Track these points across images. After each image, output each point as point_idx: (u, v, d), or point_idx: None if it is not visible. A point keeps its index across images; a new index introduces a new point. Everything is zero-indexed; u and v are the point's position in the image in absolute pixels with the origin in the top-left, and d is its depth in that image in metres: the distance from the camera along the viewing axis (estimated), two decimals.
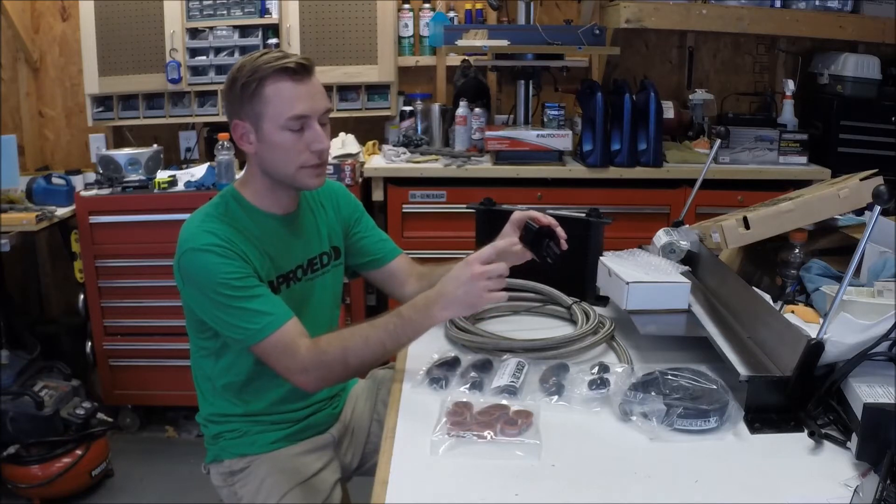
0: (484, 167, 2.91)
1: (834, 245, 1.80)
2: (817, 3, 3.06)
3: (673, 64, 3.53)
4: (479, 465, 1.09)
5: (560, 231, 1.49)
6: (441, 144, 3.18)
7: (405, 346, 1.44)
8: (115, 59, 3.20)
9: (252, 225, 1.48)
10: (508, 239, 1.49)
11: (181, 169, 3.07)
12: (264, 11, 3.17)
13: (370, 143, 3.20)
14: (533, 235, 1.49)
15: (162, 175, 2.89)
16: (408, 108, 3.21)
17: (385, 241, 1.72)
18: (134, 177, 2.89)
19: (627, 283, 1.50)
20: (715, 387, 1.22)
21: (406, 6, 3.31)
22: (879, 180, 1.65)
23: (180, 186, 2.87)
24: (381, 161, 3.01)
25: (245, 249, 1.43)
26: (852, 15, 3.09)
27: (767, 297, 1.50)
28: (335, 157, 2.92)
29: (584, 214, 1.77)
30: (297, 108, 1.41)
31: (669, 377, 1.24)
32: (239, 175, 2.88)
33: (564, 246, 1.49)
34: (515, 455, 1.11)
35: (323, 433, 1.63)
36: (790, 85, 3.22)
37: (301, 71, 1.42)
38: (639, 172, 2.89)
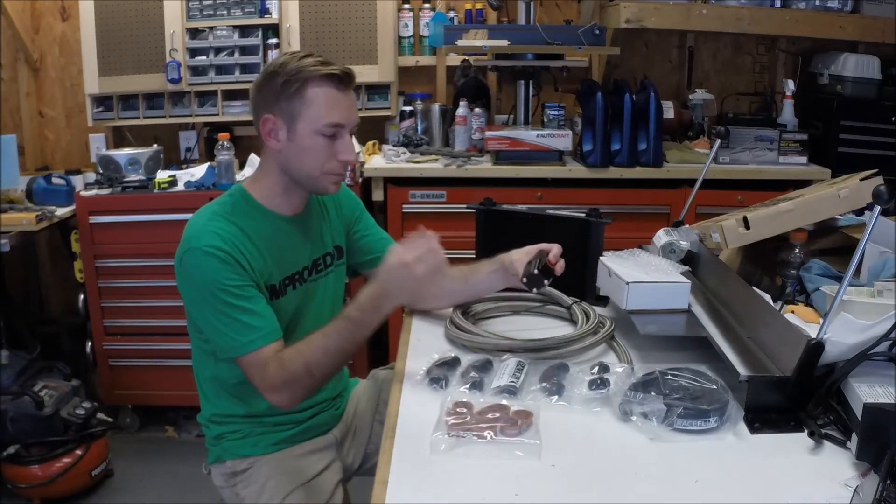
0: (484, 167, 2.91)
1: (834, 245, 1.80)
2: (817, 3, 3.06)
3: (673, 64, 3.53)
4: (479, 465, 1.09)
5: (558, 268, 1.53)
6: (441, 144, 3.17)
7: (362, 343, 1.43)
8: (115, 59, 3.20)
9: (259, 225, 1.48)
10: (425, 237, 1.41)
11: (181, 169, 3.07)
12: (264, 11, 3.17)
13: (370, 143, 3.20)
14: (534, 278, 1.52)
15: (162, 175, 2.89)
16: (408, 108, 3.21)
17: (385, 239, 1.73)
18: (134, 177, 2.89)
19: (627, 283, 1.50)
20: (715, 387, 1.22)
21: (406, 6, 3.31)
22: (879, 180, 1.65)
23: (180, 186, 2.87)
24: (381, 161, 3.01)
25: (249, 253, 1.42)
26: (852, 15, 3.09)
27: (767, 297, 1.50)
28: None
29: (584, 214, 1.77)
30: (336, 115, 1.43)
31: (669, 377, 1.24)
32: (240, 175, 2.89)
33: (559, 270, 1.54)
34: (515, 455, 1.11)
35: (325, 434, 1.63)
36: (790, 85, 3.22)
37: (346, 80, 1.44)
38: (639, 172, 2.89)
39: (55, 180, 2.97)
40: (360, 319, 1.37)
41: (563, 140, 2.89)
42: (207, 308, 1.39)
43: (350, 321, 1.37)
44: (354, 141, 3.08)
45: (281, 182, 1.50)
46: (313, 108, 1.42)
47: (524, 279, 1.51)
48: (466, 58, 3.16)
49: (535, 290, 1.54)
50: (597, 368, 1.35)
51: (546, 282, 1.51)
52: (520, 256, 1.55)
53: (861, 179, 1.70)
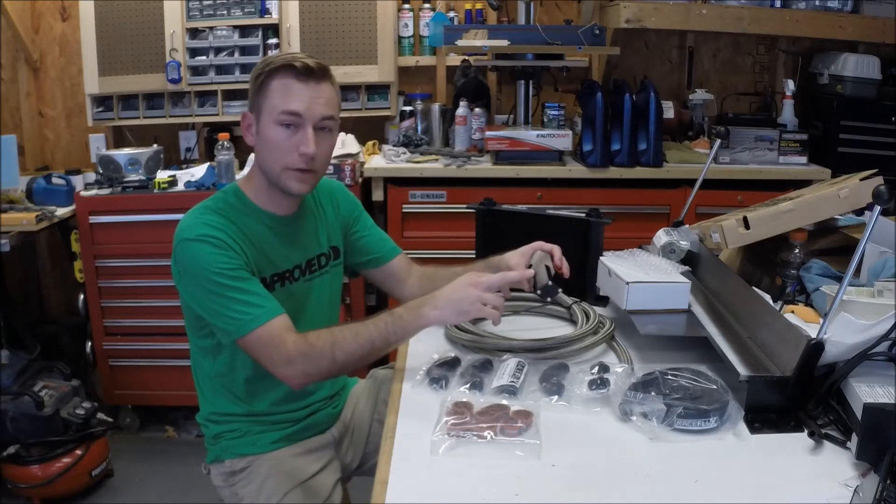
0: (484, 167, 2.91)
1: (834, 245, 1.80)
2: (817, 3, 3.06)
3: (673, 64, 3.53)
4: (479, 465, 1.09)
5: (565, 270, 1.54)
6: (441, 144, 3.17)
7: (395, 345, 1.43)
8: (115, 59, 3.20)
9: (250, 221, 1.48)
10: (520, 273, 1.47)
11: (181, 169, 3.07)
12: (264, 11, 3.17)
13: (370, 143, 3.20)
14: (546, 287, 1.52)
15: (162, 175, 2.89)
16: (408, 108, 3.21)
17: (384, 240, 1.73)
18: (134, 177, 2.89)
19: (627, 283, 1.50)
20: (715, 387, 1.22)
21: (406, 6, 3.31)
22: (879, 180, 1.65)
23: (180, 186, 2.87)
24: (381, 161, 3.01)
25: (240, 242, 1.43)
26: (852, 15, 3.09)
27: (767, 297, 1.50)
28: (335, 158, 2.92)
29: (584, 214, 1.77)
30: (292, 104, 1.42)
31: (669, 377, 1.24)
32: (240, 175, 2.89)
33: (567, 272, 1.54)
34: (515, 455, 1.11)
35: (323, 433, 1.63)
36: (790, 85, 3.22)
37: (306, 71, 1.42)
38: (639, 172, 2.89)
39: (55, 180, 2.97)
40: (400, 316, 1.38)
41: (563, 140, 2.89)
42: (206, 294, 1.39)
43: (391, 315, 1.38)
44: (354, 140, 3.10)
45: (263, 181, 1.50)
46: (271, 98, 1.42)
47: (538, 291, 1.51)
48: (466, 58, 3.16)
49: (549, 299, 1.54)
50: (597, 368, 1.35)
51: (560, 290, 1.51)
52: (517, 260, 1.55)
53: (861, 179, 1.70)
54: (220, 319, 1.40)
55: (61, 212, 2.86)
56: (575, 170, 2.90)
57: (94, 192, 2.87)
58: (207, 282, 1.38)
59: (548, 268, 1.52)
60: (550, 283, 1.50)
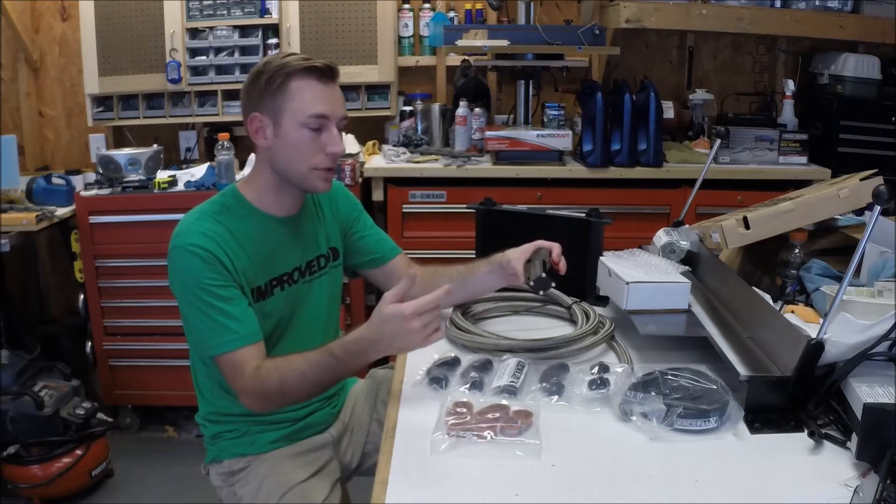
0: (484, 167, 2.91)
1: (834, 245, 1.80)
2: (817, 3, 3.06)
3: (673, 64, 3.53)
4: (479, 465, 1.09)
5: (561, 267, 1.56)
6: (441, 144, 3.18)
7: (343, 379, 1.53)
8: (115, 59, 3.20)
9: (248, 226, 1.48)
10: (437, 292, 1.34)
11: (181, 169, 3.07)
12: (264, 11, 3.17)
13: (370, 143, 3.20)
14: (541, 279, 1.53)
15: (162, 175, 2.89)
16: (408, 108, 3.21)
17: (384, 240, 1.73)
18: (134, 177, 2.89)
19: (627, 283, 1.50)
20: (715, 387, 1.22)
21: (406, 6, 3.31)
22: (879, 180, 1.65)
23: (180, 186, 2.87)
24: (381, 161, 3.01)
25: (233, 254, 1.42)
26: (852, 15, 3.09)
27: (767, 297, 1.50)
28: None
29: (584, 214, 1.77)
30: (320, 107, 1.43)
31: (669, 377, 1.24)
32: (240, 175, 2.89)
33: (563, 269, 1.56)
34: (515, 455, 1.11)
35: (322, 433, 1.63)
36: (790, 85, 3.22)
37: (328, 73, 1.44)
38: (639, 172, 2.89)
39: (55, 180, 2.97)
40: (343, 360, 1.35)
41: (563, 140, 2.89)
42: (187, 306, 1.41)
43: (334, 358, 1.35)
44: (354, 140, 3.10)
45: (272, 182, 1.50)
46: (296, 100, 1.42)
47: (531, 282, 1.51)
48: (466, 58, 3.16)
49: (541, 292, 1.55)
50: (597, 368, 1.35)
51: (553, 284, 1.52)
52: (517, 255, 1.55)
53: (861, 179, 1.70)
54: (195, 333, 1.42)
55: (61, 212, 2.86)
56: (575, 170, 2.90)
57: (94, 192, 2.87)
58: (191, 295, 1.39)
59: (544, 262, 1.53)
60: (544, 275, 1.50)
